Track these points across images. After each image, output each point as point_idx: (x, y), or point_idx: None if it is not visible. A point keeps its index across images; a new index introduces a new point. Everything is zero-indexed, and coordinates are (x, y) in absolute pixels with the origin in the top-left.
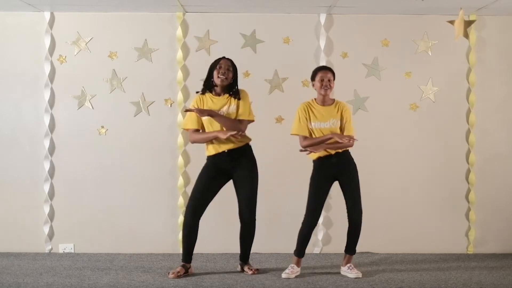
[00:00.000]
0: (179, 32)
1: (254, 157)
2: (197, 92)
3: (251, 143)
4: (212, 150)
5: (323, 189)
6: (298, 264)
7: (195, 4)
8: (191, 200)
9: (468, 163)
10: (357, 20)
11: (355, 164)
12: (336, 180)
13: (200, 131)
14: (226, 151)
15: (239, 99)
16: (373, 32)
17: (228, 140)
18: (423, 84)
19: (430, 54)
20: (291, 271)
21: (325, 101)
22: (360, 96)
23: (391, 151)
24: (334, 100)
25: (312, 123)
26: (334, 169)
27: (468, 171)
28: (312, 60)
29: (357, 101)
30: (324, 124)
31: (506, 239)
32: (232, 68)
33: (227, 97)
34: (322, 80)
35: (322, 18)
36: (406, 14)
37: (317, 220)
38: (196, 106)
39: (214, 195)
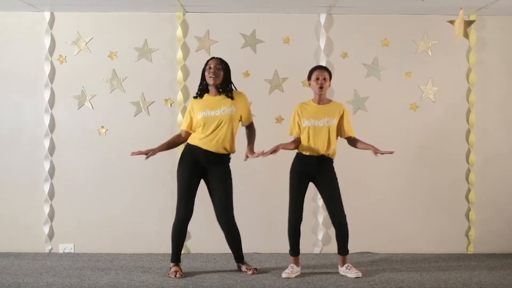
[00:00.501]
0: (179, 32)
1: (229, 167)
2: (194, 97)
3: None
4: (195, 140)
5: (302, 183)
6: (296, 263)
7: (195, 4)
8: (181, 202)
9: (468, 163)
10: (357, 20)
11: (334, 173)
12: (312, 180)
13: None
14: (203, 150)
15: (232, 98)
16: (373, 32)
17: (212, 144)
18: (423, 84)
19: (430, 54)
20: (291, 271)
21: (321, 100)
22: (360, 96)
23: None
24: (331, 100)
25: (306, 121)
26: (312, 168)
27: (468, 171)
28: (312, 60)
29: (357, 101)
30: (318, 122)
31: (506, 239)
32: (222, 66)
33: (224, 97)
34: (317, 79)
35: (322, 18)
36: (406, 14)
37: (301, 214)
38: (190, 110)
39: (197, 189)
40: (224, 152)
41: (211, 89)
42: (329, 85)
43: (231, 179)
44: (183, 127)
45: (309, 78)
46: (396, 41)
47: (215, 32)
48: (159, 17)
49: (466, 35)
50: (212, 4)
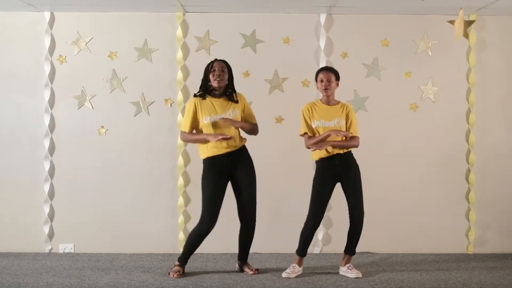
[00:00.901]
0: (179, 32)
1: (251, 158)
2: (194, 96)
3: (250, 142)
4: (210, 152)
5: (326, 190)
6: (300, 263)
7: (195, 4)
8: (207, 213)
9: (468, 163)
10: (357, 20)
11: (357, 166)
12: (339, 181)
13: (194, 131)
14: (224, 153)
15: (236, 102)
16: (373, 32)
17: (227, 145)
18: (423, 84)
19: (430, 54)
20: (292, 270)
21: (329, 101)
22: (360, 96)
23: (391, 151)
24: (339, 101)
25: (316, 122)
26: (337, 170)
27: (468, 171)
28: (312, 60)
29: (357, 101)
30: (329, 123)
31: (506, 239)
32: (226, 68)
33: (227, 101)
34: (322, 81)
35: (322, 18)
36: (406, 14)
37: (320, 221)
38: (194, 110)
39: (223, 199)
40: (239, 144)
41: (216, 92)
42: (337, 85)
43: (255, 170)
44: (187, 130)
45: (316, 79)
46: (396, 41)
47: (215, 32)
48: (159, 17)
49: (466, 35)
50: (212, 4)
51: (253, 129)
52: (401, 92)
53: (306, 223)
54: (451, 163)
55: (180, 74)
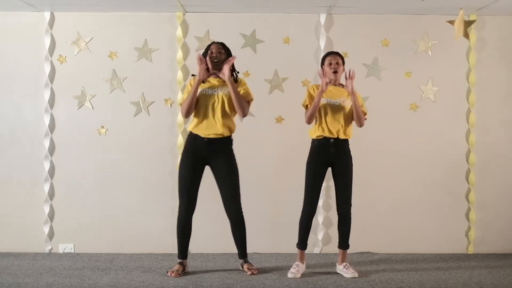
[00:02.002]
0: (179, 32)
1: (233, 151)
2: (193, 75)
3: (250, 142)
4: (195, 125)
5: (319, 175)
6: (302, 259)
7: (195, 4)
8: (182, 198)
9: (468, 163)
10: (357, 20)
11: (351, 156)
12: (331, 166)
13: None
14: (206, 139)
15: (235, 82)
16: (373, 32)
17: (211, 126)
18: (423, 84)
19: (430, 54)
20: (297, 270)
21: (335, 84)
22: (360, 96)
23: (391, 151)
24: (343, 84)
25: (322, 100)
26: (330, 155)
27: (468, 171)
28: (312, 60)
29: None
30: (334, 101)
31: (506, 239)
32: (224, 50)
33: (223, 81)
34: (330, 64)
35: (322, 18)
36: (406, 14)
37: (316, 206)
38: (190, 88)
39: (199, 185)
40: (225, 133)
41: (212, 73)
42: (343, 70)
43: (237, 166)
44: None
45: (322, 63)
46: (396, 41)
47: (215, 32)
48: (159, 17)
49: (466, 35)
50: (212, 4)
51: (242, 105)
52: (401, 92)
53: (302, 211)
54: (451, 163)
55: (180, 74)
